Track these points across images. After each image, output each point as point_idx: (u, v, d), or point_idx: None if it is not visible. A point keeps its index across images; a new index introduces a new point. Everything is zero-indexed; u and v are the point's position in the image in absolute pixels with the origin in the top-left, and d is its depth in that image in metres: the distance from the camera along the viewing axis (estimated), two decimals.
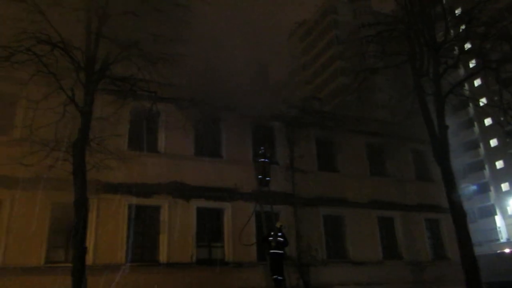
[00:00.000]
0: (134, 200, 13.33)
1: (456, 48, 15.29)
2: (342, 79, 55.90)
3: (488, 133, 49.20)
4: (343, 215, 16.66)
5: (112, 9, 9.45)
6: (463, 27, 15.30)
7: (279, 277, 13.40)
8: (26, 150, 9.85)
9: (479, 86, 44.96)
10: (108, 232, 12.31)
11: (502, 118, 16.16)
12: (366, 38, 17.69)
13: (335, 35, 59.24)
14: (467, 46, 14.84)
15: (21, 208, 11.80)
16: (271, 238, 13.76)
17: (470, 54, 15.36)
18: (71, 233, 12.16)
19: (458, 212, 13.46)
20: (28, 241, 11.64)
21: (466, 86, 18.46)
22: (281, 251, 13.61)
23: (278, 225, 14.17)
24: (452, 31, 15.24)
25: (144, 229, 13.58)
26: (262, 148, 15.39)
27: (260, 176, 15.12)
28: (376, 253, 16.73)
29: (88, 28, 9.47)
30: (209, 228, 14.42)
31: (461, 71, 16.00)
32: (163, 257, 13.27)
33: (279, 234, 13.83)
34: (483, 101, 21.74)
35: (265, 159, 15.33)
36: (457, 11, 16.31)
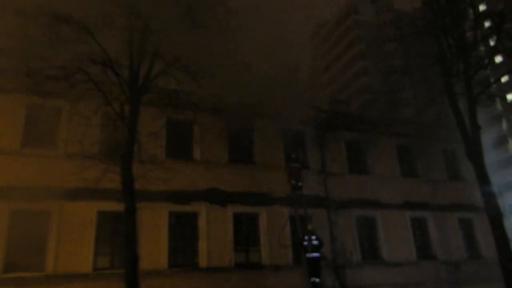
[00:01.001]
0: (174, 208, 13.83)
1: (483, 47, 15.25)
2: (365, 79, 55.62)
3: None
4: (375, 217, 16.78)
5: (153, 25, 9.90)
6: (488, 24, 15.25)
7: (316, 279, 13.71)
8: (77, 164, 10.40)
9: (505, 82, 44.28)
10: (150, 239, 12.77)
11: None
12: (391, 37, 17.78)
13: (357, 35, 58.92)
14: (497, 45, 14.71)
15: (69, 218, 12.43)
16: (305, 243, 14.08)
17: (499, 52, 15.26)
18: (115, 241, 12.95)
19: (493, 211, 13.45)
20: (76, 249, 12.26)
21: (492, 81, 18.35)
22: (317, 253, 13.91)
23: (310, 228, 14.46)
24: (478, 31, 15.21)
25: (183, 235, 14.04)
26: (294, 153, 15.70)
27: (293, 181, 15.42)
28: (410, 253, 16.77)
29: (131, 45, 9.94)
30: (246, 232, 14.76)
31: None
32: (202, 262, 13.67)
33: (313, 237, 14.14)
34: (509, 97, 21.46)
35: (297, 163, 15.64)
36: (482, 7, 16.19)
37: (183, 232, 14.07)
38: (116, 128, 10.24)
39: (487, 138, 14.81)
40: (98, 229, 12.81)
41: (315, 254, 13.80)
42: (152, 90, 10.46)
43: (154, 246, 12.98)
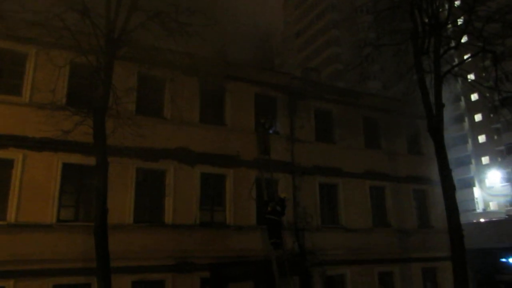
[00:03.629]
0: (142, 164, 13.82)
1: (456, 29, 15.73)
2: (336, 49, 55.93)
3: (474, 108, 50.54)
4: (337, 184, 17.45)
5: None
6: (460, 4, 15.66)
7: (277, 240, 14.33)
8: (43, 113, 10.13)
9: (467, 62, 45.84)
10: (117, 194, 12.73)
11: (488, 94, 16.82)
12: (366, 10, 17.93)
13: (330, 3, 58.62)
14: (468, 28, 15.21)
15: (34, 168, 12.18)
16: (270, 203, 14.59)
17: (470, 35, 15.80)
18: (81, 194, 12.89)
19: (448, 185, 14.34)
20: (40, 200, 12.11)
21: (456, 62, 19.02)
22: (277, 218, 14.46)
23: (282, 195, 14.93)
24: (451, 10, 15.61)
25: (150, 192, 14.14)
26: (264, 117, 15.90)
27: (261, 145, 15.69)
28: (367, 220, 17.69)
29: None
30: (212, 192, 15.02)
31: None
32: (168, 218, 13.85)
33: (280, 203, 14.65)
34: (471, 77, 22.42)
35: (266, 128, 15.88)
36: None
37: (150, 189, 14.15)
38: (88, 80, 10.00)
39: (446, 116, 15.49)
40: (63, 181, 12.65)
41: (275, 218, 14.37)
42: (128, 44, 10.20)
43: (120, 201, 13.00)
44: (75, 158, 12.60)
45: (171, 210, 13.93)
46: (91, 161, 10.91)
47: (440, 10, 15.75)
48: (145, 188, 14.07)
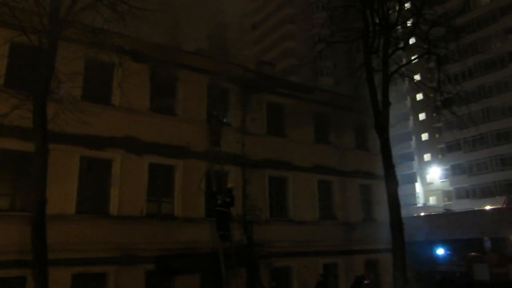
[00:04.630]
0: (87, 152, 13.26)
1: (405, 31, 16.31)
2: (291, 43, 56.41)
3: (419, 107, 52.95)
4: (287, 178, 17.65)
5: None
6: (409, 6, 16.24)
7: (225, 232, 14.31)
8: None
9: (414, 64, 47.90)
10: (58, 182, 12.12)
11: (431, 94, 17.63)
12: (321, 6, 18.21)
13: None
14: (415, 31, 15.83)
15: None
16: (219, 196, 14.53)
17: (417, 38, 16.44)
18: (18, 182, 12.15)
19: (391, 180, 14.93)
20: None
21: (404, 62, 19.89)
22: (227, 210, 14.44)
23: (229, 185, 14.89)
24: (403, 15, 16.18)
25: (95, 181, 13.61)
26: (216, 109, 15.74)
27: (212, 136, 15.54)
28: (314, 213, 18.06)
29: None
30: (160, 183, 14.70)
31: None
32: (113, 209, 13.41)
33: (228, 194, 14.62)
34: (417, 78, 23.40)
35: (218, 120, 15.73)
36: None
37: (95, 179, 13.63)
38: (29, 62, 9.39)
39: (392, 113, 16.11)
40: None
41: (225, 210, 14.34)
42: (74, 25, 9.67)
43: (62, 190, 12.38)
44: (11, 144, 11.80)
45: (116, 201, 13.49)
46: (30, 147, 10.27)
47: (391, 11, 16.27)
48: (90, 178, 13.52)
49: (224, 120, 16.13)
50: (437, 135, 53.03)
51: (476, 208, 37.19)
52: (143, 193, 14.02)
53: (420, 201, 53.64)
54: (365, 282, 16.32)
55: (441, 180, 52.35)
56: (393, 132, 21.04)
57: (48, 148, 9.08)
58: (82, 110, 12.18)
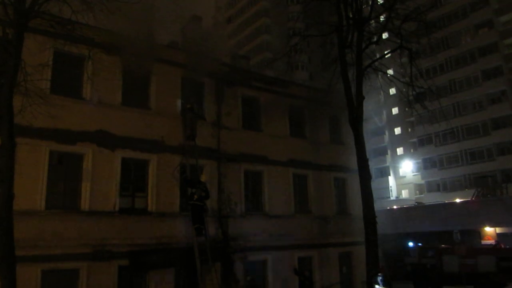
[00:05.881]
0: (57, 147, 12.94)
1: (378, 25, 16.52)
2: (266, 36, 56.38)
3: (391, 102, 53.86)
4: (262, 172, 17.65)
5: None
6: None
7: (200, 226, 14.23)
8: None
9: (388, 58, 48.68)
10: (27, 177, 11.80)
11: (404, 89, 17.94)
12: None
13: None
14: (388, 25, 16.05)
15: None
16: (194, 190, 14.43)
17: (390, 32, 16.67)
18: None
19: (365, 174, 15.15)
20: None
21: (377, 56, 20.19)
22: (202, 204, 14.38)
23: (202, 179, 14.80)
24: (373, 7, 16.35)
25: (66, 176, 13.30)
26: (190, 102, 15.57)
27: (187, 130, 15.39)
28: (289, 207, 18.15)
29: None
30: (134, 178, 14.49)
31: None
32: (85, 205, 13.16)
33: (203, 188, 14.54)
34: (390, 72, 23.68)
35: (193, 114, 15.58)
36: None
37: (66, 173, 13.33)
38: None
39: (366, 107, 16.32)
40: None
41: (200, 204, 14.27)
42: (41, 16, 9.35)
43: (31, 186, 12.10)
44: None
45: (88, 196, 13.23)
46: None
47: (364, 6, 16.43)
48: (60, 172, 13.26)
49: (199, 114, 15.97)
50: (409, 129, 54.10)
51: (446, 201, 38.29)
52: (116, 188, 13.78)
53: (393, 195, 54.76)
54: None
55: (413, 174, 53.53)
56: (367, 126, 21.35)
57: (15, 142, 8.78)
58: (51, 103, 11.85)
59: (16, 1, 8.89)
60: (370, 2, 15.78)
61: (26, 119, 10.83)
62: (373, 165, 52.15)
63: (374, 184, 15.83)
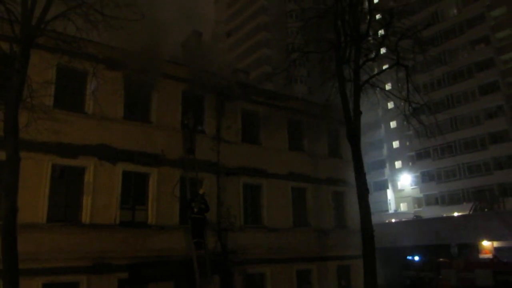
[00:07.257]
0: (59, 160, 13.12)
1: (375, 42, 16.85)
2: (266, 51, 56.93)
3: (389, 116, 54.19)
4: (261, 185, 17.81)
5: None
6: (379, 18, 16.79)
7: (200, 240, 14.35)
8: None
9: (385, 73, 49.23)
10: (29, 191, 11.96)
11: (402, 103, 18.20)
12: (295, 15, 18.57)
13: (262, 6, 59.54)
14: (385, 42, 16.38)
15: None
16: (193, 204, 14.57)
17: (387, 49, 16.98)
18: None
19: (362, 187, 15.30)
20: None
21: (375, 72, 20.51)
22: (202, 217, 14.52)
23: (201, 192, 14.96)
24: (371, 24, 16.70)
25: (68, 190, 13.46)
26: (190, 117, 15.80)
27: (186, 144, 15.59)
28: (288, 220, 18.27)
29: None
30: (134, 191, 14.65)
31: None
32: (85, 218, 13.30)
33: (202, 201, 14.69)
34: (388, 87, 23.98)
35: (192, 127, 15.80)
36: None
37: (67, 187, 13.50)
38: (0, 70, 9.29)
39: (364, 121, 16.59)
40: None
41: (200, 217, 14.40)
42: (47, 33, 9.62)
43: (33, 199, 12.26)
44: None
45: (89, 209, 13.38)
46: (0, 155, 10.11)
47: (361, 23, 16.75)
48: (62, 186, 13.42)
49: (199, 128, 16.20)
50: (407, 143, 54.35)
51: (444, 215, 38.34)
52: (117, 201, 13.94)
53: (392, 208, 54.75)
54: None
55: (412, 187, 53.62)
56: (366, 140, 21.55)
57: (19, 156, 8.97)
58: (55, 118, 12.09)
59: (23, 19, 9.15)
60: (368, 20, 16.11)
61: (30, 133, 11.01)
62: (371, 178, 52.54)
63: (373, 197, 16.01)
